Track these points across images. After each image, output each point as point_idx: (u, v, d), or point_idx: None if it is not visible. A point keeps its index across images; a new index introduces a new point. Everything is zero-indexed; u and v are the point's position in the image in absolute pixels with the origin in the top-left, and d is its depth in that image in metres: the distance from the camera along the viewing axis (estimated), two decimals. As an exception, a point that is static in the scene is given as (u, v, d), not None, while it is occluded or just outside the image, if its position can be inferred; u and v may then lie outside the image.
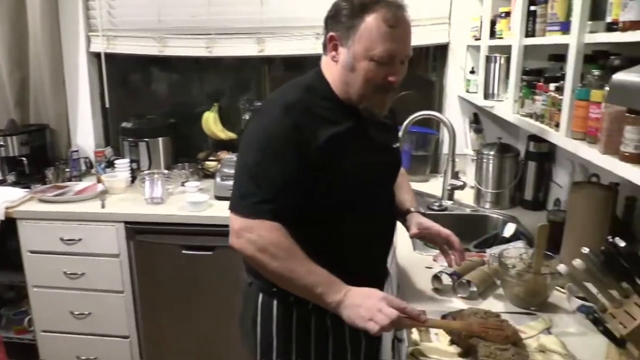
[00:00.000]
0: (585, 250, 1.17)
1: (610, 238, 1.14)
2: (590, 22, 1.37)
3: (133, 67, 3.31)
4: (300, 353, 1.48)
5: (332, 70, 1.39)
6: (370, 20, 1.28)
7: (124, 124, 3.05)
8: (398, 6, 1.31)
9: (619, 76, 0.73)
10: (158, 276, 2.65)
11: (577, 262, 1.18)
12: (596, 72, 1.35)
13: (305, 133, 1.31)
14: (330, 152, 1.32)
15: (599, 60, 1.43)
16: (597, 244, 1.17)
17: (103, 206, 2.63)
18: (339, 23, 1.33)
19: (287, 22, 2.90)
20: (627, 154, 1.12)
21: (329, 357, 1.49)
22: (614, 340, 1.18)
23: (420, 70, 3.15)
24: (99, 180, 2.91)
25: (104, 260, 2.62)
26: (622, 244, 1.11)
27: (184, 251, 2.57)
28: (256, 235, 1.28)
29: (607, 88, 0.98)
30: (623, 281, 1.17)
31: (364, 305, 1.21)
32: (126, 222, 2.57)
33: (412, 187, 1.83)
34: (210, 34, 2.96)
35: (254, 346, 1.53)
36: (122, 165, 2.93)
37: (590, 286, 1.22)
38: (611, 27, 1.25)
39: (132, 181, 2.93)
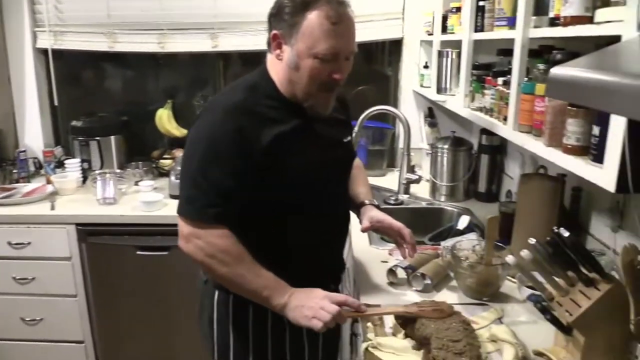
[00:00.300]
0: (532, 240, 1.20)
1: (555, 228, 1.17)
2: (534, 17, 1.40)
3: (83, 63, 3.20)
4: (257, 351, 1.47)
5: (277, 69, 1.38)
6: (313, 18, 1.27)
7: (74, 123, 2.95)
8: (340, 3, 1.30)
9: (556, 70, 0.75)
10: (112, 278, 2.59)
11: (525, 253, 1.20)
12: (541, 66, 1.38)
13: (249, 135, 1.31)
14: (276, 152, 1.32)
15: (545, 54, 1.46)
16: (545, 234, 1.19)
17: (53, 208, 2.55)
18: (282, 21, 1.32)
19: (241, 17, 2.85)
20: (569, 146, 1.15)
21: (287, 355, 1.49)
22: (560, 328, 1.22)
23: (377, 65, 3.18)
24: (49, 181, 2.81)
25: (55, 263, 2.54)
26: (566, 233, 1.14)
27: (138, 252, 2.52)
28: (204, 242, 1.30)
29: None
30: (569, 270, 1.20)
31: (307, 305, 1.27)
32: (77, 224, 2.49)
33: (369, 181, 1.83)
34: (162, 30, 2.89)
35: (212, 345, 1.52)
36: (73, 165, 2.84)
37: (538, 276, 1.25)
38: (554, 22, 1.28)
39: (84, 181, 2.84)
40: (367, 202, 1.65)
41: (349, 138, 1.60)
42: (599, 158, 1.03)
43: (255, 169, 1.31)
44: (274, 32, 1.34)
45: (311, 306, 1.26)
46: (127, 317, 2.64)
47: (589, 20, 1.14)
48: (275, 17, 1.34)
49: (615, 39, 0.97)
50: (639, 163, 0.92)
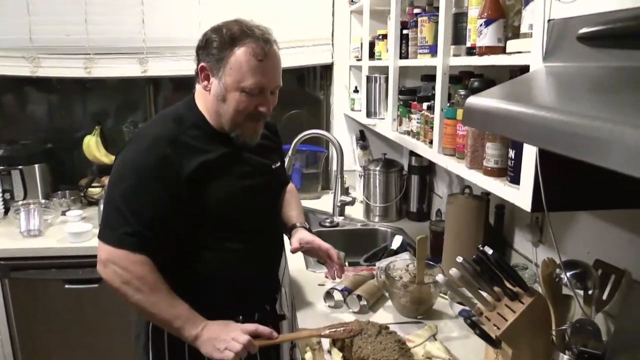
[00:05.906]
0: (459, 259, 1.25)
1: (480, 246, 1.23)
2: (453, 46, 1.47)
3: (4, 88, 3.03)
4: None
5: (205, 99, 1.42)
6: (240, 54, 1.33)
7: (-6, 151, 2.80)
8: (266, 40, 1.36)
9: (471, 100, 0.80)
10: (39, 315, 2.45)
11: (453, 271, 1.25)
12: (462, 92, 1.45)
13: (173, 164, 1.33)
14: (199, 180, 1.36)
15: (465, 80, 1.54)
16: (473, 251, 1.25)
17: (-29, 242, 2.40)
18: (209, 55, 1.36)
19: (170, 42, 2.82)
20: (489, 168, 1.21)
21: None
22: (489, 342, 1.27)
23: (309, 89, 3.23)
24: (-34, 215, 2.65)
25: (-26, 302, 2.38)
26: (490, 251, 1.20)
27: (67, 285, 2.41)
28: (121, 268, 1.30)
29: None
30: (495, 285, 1.26)
31: (219, 337, 1.30)
32: (-1, 259, 2.36)
33: (304, 204, 1.86)
34: (88, 54, 2.81)
35: None
36: (-7, 196, 2.69)
37: (466, 292, 1.30)
38: (470, 52, 1.36)
39: (5, 213, 2.70)
40: (297, 224, 1.70)
41: (279, 164, 1.64)
42: (515, 179, 1.09)
43: (179, 199, 1.34)
44: (202, 64, 1.39)
45: (223, 338, 1.29)
46: (56, 355, 2.51)
47: (502, 50, 1.22)
48: (203, 50, 1.38)
49: (526, 67, 1.04)
50: (551, 184, 0.98)
